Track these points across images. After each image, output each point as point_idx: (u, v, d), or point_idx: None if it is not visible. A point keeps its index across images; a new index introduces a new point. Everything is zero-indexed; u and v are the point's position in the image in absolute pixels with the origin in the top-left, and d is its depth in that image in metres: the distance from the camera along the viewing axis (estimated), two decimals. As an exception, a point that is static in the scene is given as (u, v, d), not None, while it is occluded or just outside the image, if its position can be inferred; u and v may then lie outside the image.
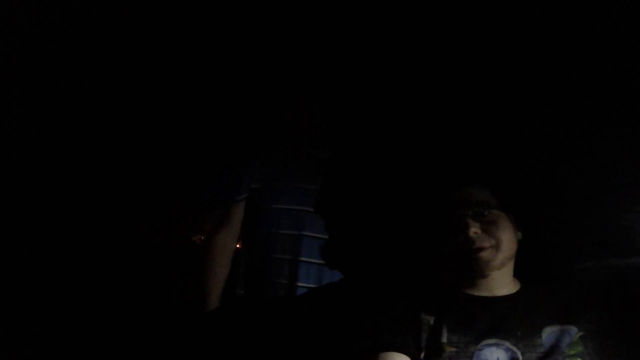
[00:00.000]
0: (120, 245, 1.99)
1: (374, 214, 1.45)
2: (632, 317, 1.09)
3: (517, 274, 1.19)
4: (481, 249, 1.10)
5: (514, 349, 1.04)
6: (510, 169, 1.30)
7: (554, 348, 1.04)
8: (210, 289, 1.52)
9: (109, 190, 1.97)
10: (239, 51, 1.75)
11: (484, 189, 1.20)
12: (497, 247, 1.11)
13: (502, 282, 1.15)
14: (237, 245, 1.62)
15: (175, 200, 2.04)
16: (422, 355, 1.05)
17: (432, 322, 1.10)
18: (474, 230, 1.11)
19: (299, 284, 1.45)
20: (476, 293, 1.14)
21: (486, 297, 1.14)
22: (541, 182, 1.30)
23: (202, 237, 1.93)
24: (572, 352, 1.04)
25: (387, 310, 1.13)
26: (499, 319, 1.09)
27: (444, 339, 1.06)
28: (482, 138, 1.42)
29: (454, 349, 1.04)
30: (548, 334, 1.06)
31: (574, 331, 1.06)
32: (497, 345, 1.04)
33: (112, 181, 1.97)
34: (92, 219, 1.98)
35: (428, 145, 1.49)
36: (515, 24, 1.36)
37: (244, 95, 1.83)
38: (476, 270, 1.12)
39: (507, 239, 1.13)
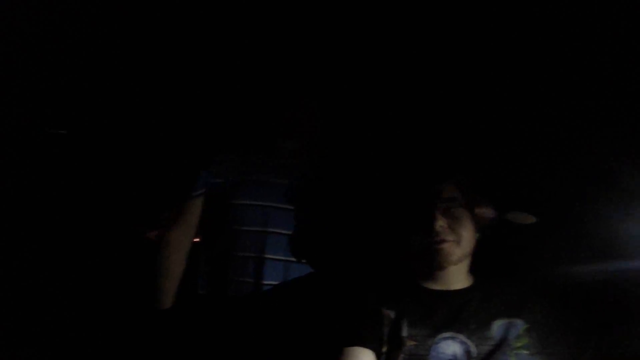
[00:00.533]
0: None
1: (344, 207, 1.46)
2: (570, 314, 1.18)
3: (472, 269, 1.26)
4: (444, 241, 1.17)
5: (468, 342, 1.10)
6: (481, 171, 1.36)
7: (503, 340, 1.11)
8: (164, 287, 1.45)
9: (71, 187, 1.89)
10: (204, 43, 1.70)
11: (452, 187, 1.26)
12: (458, 242, 1.18)
13: (458, 277, 1.22)
14: (195, 239, 1.56)
15: (130, 196, 1.96)
16: (385, 349, 1.10)
17: (393, 316, 1.14)
18: (440, 223, 1.18)
19: (265, 282, 1.38)
20: (434, 287, 1.21)
21: (443, 291, 1.20)
22: (508, 185, 1.37)
23: (157, 234, 1.86)
24: (519, 344, 1.11)
25: (350, 305, 1.16)
26: (454, 312, 1.15)
27: (405, 333, 1.11)
28: (456, 139, 1.47)
29: (413, 343, 1.09)
30: (498, 326, 1.13)
31: (520, 324, 1.13)
32: (452, 338, 1.10)
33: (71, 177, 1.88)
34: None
35: (402, 141, 1.53)
36: (488, 23, 1.40)
37: (209, 87, 1.78)
38: (436, 262, 1.18)
39: (468, 237, 1.20)
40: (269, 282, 1.39)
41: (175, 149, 1.72)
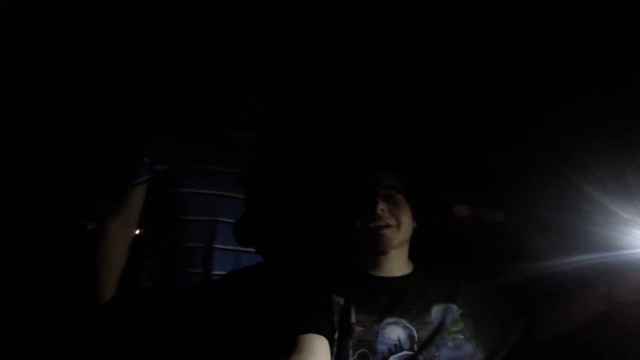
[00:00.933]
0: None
1: (292, 196, 1.45)
2: (498, 301, 1.27)
3: (411, 257, 1.33)
4: (386, 225, 1.22)
5: (410, 326, 1.16)
6: (419, 161, 1.42)
7: (441, 325, 1.17)
8: (104, 280, 1.38)
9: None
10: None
11: (391, 175, 1.32)
12: (398, 227, 1.24)
13: (398, 264, 1.28)
14: (137, 231, 1.49)
15: (67, 187, 1.81)
16: (336, 335, 1.13)
17: (342, 302, 1.18)
18: (382, 207, 1.23)
19: (214, 272, 1.34)
20: (377, 274, 1.26)
21: (385, 277, 1.25)
22: (444, 175, 1.44)
23: (96, 226, 1.75)
24: (455, 329, 1.18)
25: (302, 293, 1.18)
26: (396, 298, 1.21)
27: (353, 319, 1.14)
28: (398, 130, 1.52)
29: (361, 329, 1.13)
30: (436, 311, 1.20)
31: (455, 309, 1.21)
32: (396, 323, 1.16)
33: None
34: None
35: (346, 131, 1.55)
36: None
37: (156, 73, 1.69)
38: (379, 247, 1.23)
39: (407, 223, 1.26)
40: (218, 272, 1.35)
41: (115, 136, 1.61)
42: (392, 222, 1.23)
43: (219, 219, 1.38)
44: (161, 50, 1.71)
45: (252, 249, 1.40)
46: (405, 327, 1.16)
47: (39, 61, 1.65)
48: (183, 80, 1.69)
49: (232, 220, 1.39)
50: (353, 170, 1.34)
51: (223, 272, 1.36)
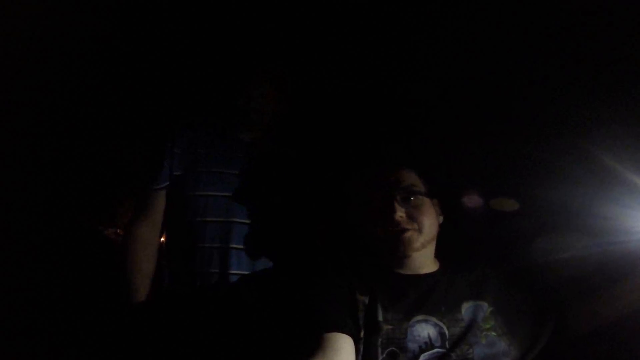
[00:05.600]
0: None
1: (308, 197, 1.44)
2: (527, 296, 1.23)
3: (437, 253, 1.28)
4: (405, 230, 1.18)
5: (441, 323, 1.12)
6: (440, 156, 1.39)
7: (472, 322, 1.14)
8: (135, 286, 1.38)
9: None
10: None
11: (412, 172, 1.27)
12: (419, 230, 1.20)
13: (425, 262, 1.24)
14: (162, 239, 1.50)
15: (87, 193, 1.80)
16: (362, 334, 1.09)
17: (367, 301, 1.14)
18: (400, 214, 1.19)
19: (231, 272, 1.34)
20: (403, 272, 1.22)
21: (412, 275, 1.21)
22: (466, 170, 1.41)
23: (119, 232, 1.74)
24: (487, 326, 1.14)
25: (326, 292, 1.15)
26: (424, 295, 1.17)
27: (380, 317, 1.11)
28: (416, 125, 1.49)
29: (389, 327, 1.10)
30: (466, 309, 1.16)
31: (485, 307, 1.17)
32: (426, 321, 1.12)
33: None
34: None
35: (360, 132, 1.53)
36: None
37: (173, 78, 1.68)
38: (399, 251, 1.19)
39: (429, 224, 1.22)
40: (235, 271, 1.35)
41: (134, 142, 1.60)
42: (411, 226, 1.19)
43: (235, 219, 1.39)
44: (172, 54, 1.69)
45: (267, 249, 1.40)
46: (435, 325, 1.12)
47: (62, 69, 1.66)
48: (194, 83, 1.67)
49: (248, 221, 1.40)
50: (370, 170, 1.30)
51: (240, 271, 1.36)
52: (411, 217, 1.20)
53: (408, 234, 1.18)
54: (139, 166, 1.49)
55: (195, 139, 1.49)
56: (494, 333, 1.14)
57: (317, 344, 1.02)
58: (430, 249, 1.25)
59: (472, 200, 1.40)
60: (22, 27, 1.45)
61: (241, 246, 1.37)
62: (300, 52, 1.59)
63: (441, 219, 1.29)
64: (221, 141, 1.50)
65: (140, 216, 1.45)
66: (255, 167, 1.47)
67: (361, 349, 1.07)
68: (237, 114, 1.51)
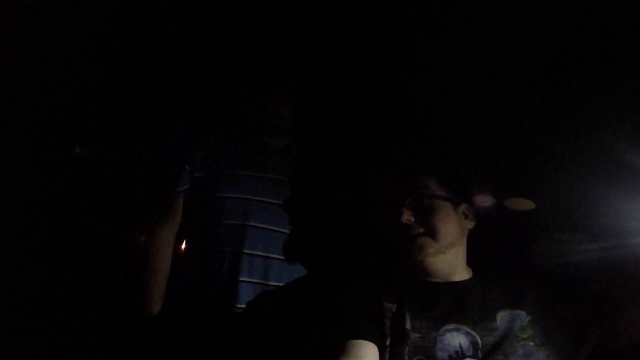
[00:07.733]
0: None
1: (334, 205, 1.43)
2: (568, 305, 1.16)
3: (470, 261, 1.23)
4: (413, 235, 1.15)
5: (473, 332, 1.07)
6: (464, 159, 1.35)
7: (509, 331, 1.08)
8: (151, 288, 1.38)
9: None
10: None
11: (430, 177, 1.23)
12: (431, 235, 1.15)
13: (455, 269, 1.18)
14: (183, 246, 1.50)
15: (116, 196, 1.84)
16: (388, 342, 1.05)
17: (394, 309, 1.10)
18: (406, 217, 1.16)
19: (241, 279, 1.33)
20: (433, 279, 1.17)
21: (442, 283, 1.16)
22: (492, 174, 1.36)
23: (137, 234, 1.76)
24: (525, 336, 1.08)
25: (351, 300, 1.12)
26: (456, 304, 1.12)
27: (408, 325, 1.06)
28: (436, 130, 1.45)
29: (418, 335, 1.05)
30: (501, 318, 1.10)
31: (523, 316, 1.11)
32: (457, 330, 1.07)
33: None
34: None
35: (377, 139, 1.51)
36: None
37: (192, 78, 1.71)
38: (413, 256, 1.15)
39: (445, 229, 1.16)
40: (245, 278, 1.34)
41: (156, 144, 1.63)
42: (420, 230, 1.15)
43: (251, 223, 1.38)
44: (193, 59, 1.72)
45: (282, 256, 1.38)
46: (467, 334, 1.07)
47: (86, 77, 1.70)
48: (216, 88, 1.69)
49: (263, 225, 1.39)
50: (383, 174, 1.28)
51: (251, 279, 1.34)
52: (422, 222, 1.16)
53: (419, 240, 1.14)
54: (158, 169, 1.50)
55: (219, 143, 1.49)
56: (531, 343, 1.08)
57: (341, 351, 0.99)
58: (457, 255, 1.20)
59: (513, 201, 1.34)
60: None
61: (254, 252, 1.36)
62: (322, 55, 1.59)
63: (472, 224, 1.23)
64: (245, 145, 1.50)
65: (162, 218, 1.44)
66: (274, 170, 1.47)
67: (387, 357, 1.03)
68: (258, 118, 1.50)
